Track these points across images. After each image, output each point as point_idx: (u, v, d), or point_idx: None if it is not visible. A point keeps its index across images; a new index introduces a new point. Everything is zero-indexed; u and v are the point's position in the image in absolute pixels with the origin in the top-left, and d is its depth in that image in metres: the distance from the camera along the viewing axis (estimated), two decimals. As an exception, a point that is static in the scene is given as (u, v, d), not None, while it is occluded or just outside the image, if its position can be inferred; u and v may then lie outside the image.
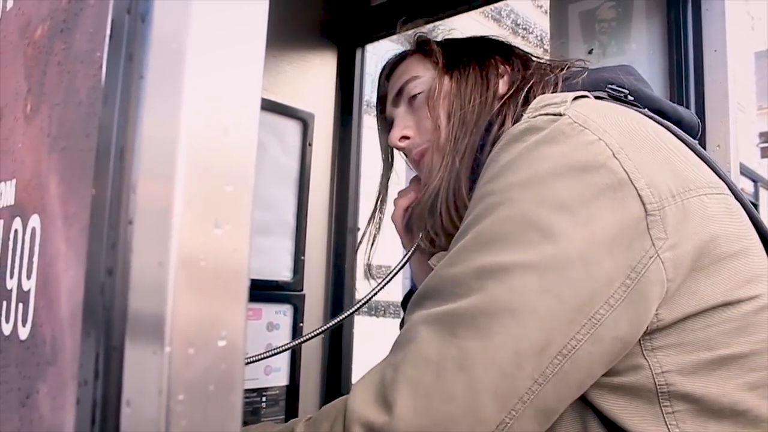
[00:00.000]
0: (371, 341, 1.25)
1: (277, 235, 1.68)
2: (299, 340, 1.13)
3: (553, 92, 0.91)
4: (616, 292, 0.69)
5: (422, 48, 1.12)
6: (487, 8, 1.58)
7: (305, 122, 1.74)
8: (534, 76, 0.98)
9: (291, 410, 1.66)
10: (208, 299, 0.38)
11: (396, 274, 1.10)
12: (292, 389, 1.67)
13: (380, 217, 1.22)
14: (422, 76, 1.08)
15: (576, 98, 0.80)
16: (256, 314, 1.61)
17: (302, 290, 1.70)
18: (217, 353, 0.37)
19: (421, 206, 1.02)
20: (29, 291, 0.58)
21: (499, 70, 1.03)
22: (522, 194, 0.72)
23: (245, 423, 1.59)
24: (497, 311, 0.68)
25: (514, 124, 0.88)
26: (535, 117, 0.79)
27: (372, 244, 1.23)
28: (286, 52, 1.73)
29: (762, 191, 2.15)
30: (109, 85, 0.46)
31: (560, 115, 0.77)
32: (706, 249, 0.73)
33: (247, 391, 1.59)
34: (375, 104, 1.23)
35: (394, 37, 1.84)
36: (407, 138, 1.09)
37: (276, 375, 1.65)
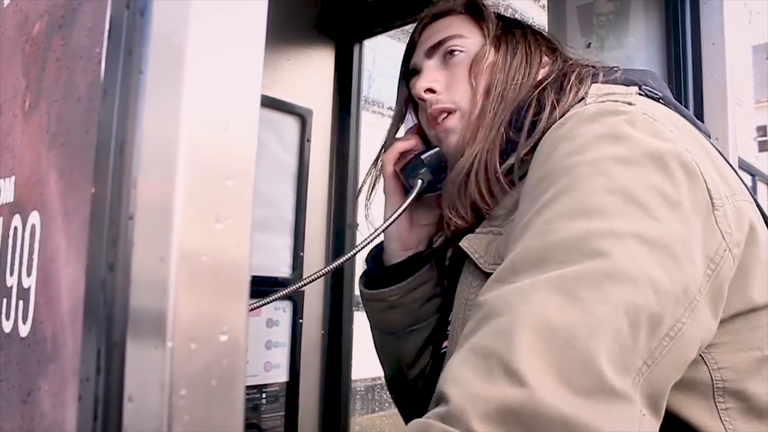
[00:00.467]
0: (370, 338, 1.23)
1: (276, 231, 1.68)
2: (301, 283, 1.08)
3: (586, 89, 0.91)
4: (703, 279, 0.69)
5: (473, 10, 1.10)
6: (489, 2, 1.57)
7: (303, 118, 1.73)
8: (570, 70, 0.97)
9: (291, 406, 1.66)
10: (209, 294, 0.38)
11: (398, 217, 1.05)
12: (292, 385, 1.67)
13: (380, 170, 1.18)
14: (467, 37, 1.06)
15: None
16: (255, 311, 1.61)
17: (302, 287, 1.70)
18: (218, 348, 0.37)
19: (453, 178, 0.99)
20: (29, 288, 0.58)
21: (543, 60, 1.03)
22: (618, 169, 0.71)
23: (246, 420, 1.59)
24: (622, 276, 0.64)
25: (552, 110, 0.88)
26: (604, 102, 0.79)
27: (373, 188, 1.20)
28: (283, 48, 1.73)
29: (760, 185, 2.15)
30: (108, 80, 0.46)
31: (630, 104, 0.78)
32: (750, 251, 0.75)
33: (247, 387, 1.58)
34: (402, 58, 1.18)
35: (392, 32, 1.84)
36: (433, 92, 1.05)
37: (276, 371, 1.65)
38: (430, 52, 1.08)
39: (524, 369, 0.59)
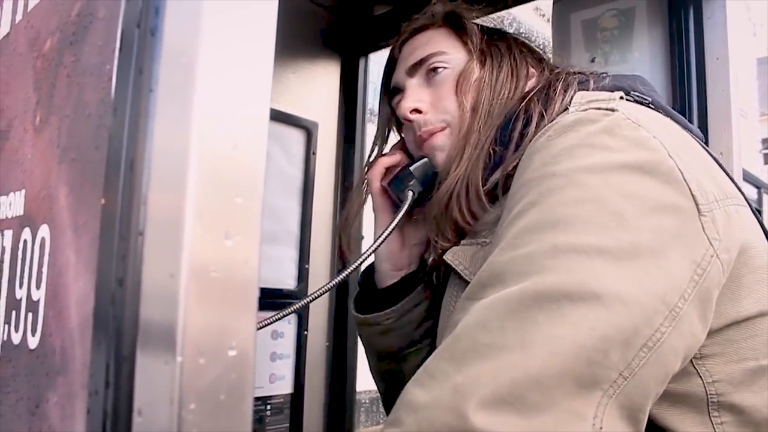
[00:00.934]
0: None
1: (282, 243, 1.68)
2: (305, 300, 1.05)
3: (573, 95, 0.90)
4: (688, 286, 0.68)
5: (454, 23, 1.06)
6: (493, 16, 1.58)
7: (309, 131, 1.74)
8: (556, 79, 0.95)
9: (296, 418, 1.66)
10: (218, 310, 0.38)
11: (393, 229, 1.01)
12: (297, 397, 1.67)
13: (367, 189, 1.14)
14: (450, 52, 1.03)
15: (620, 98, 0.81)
16: (260, 322, 1.62)
17: (306, 299, 1.70)
18: (227, 363, 0.38)
19: (438, 200, 0.97)
20: (39, 300, 0.58)
21: (529, 72, 1.01)
22: (589, 179, 0.70)
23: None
24: (582, 295, 0.63)
25: (540, 120, 0.87)
26: (585, 110, 0.78)
27: (356, 215, 1.17)
28: (289, 62, 1.74)
29: (765, 197, 2.15)
30: (118, 97, 0.47)
31: (613, 110, 0.76)
32: (743, 258, 0.74)
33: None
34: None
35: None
36: (419, 112, 1.02)
37: (280, 383, 1.65)
38: (412, 70, 1.05)
39: (469, 393, 0.61)
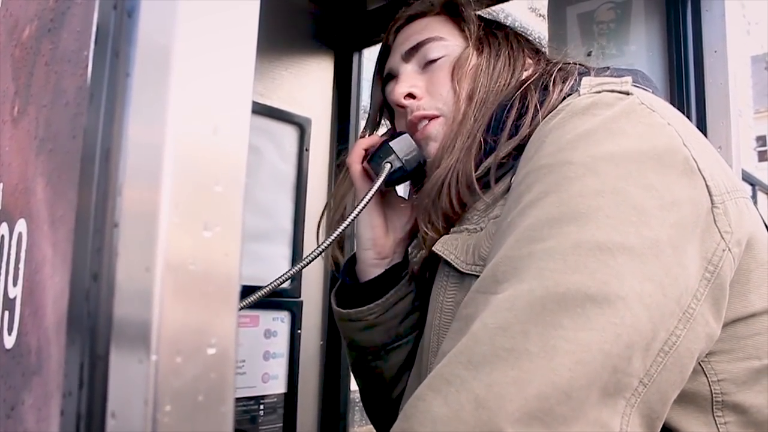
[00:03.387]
0: None
1: (274, 241, 1.66)
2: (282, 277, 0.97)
3: (573, 83, 0.87)
4: (700, 284, 0.66)
5: (452, 11, 1.04)
6: (488, 10, 1.56)
7: (302, 127, 1.72)
8: (556, 66, 0.93)
9: (289, 418, 1.64)
10: (196, 305, 0.36)
11: (366, 203, 0.97)
12: (291, 397, 1.65)
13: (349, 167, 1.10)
14: (447, 39, 1.00)
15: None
16: (253, 321, 1.60)
17: (299, 297, 1.69)
18: (206, 361, 0.35)
19: (429, 190, 0.94)
20: (15, 298, 0.56)
21: (526, 62, 0.99)
22: (608, 168, 0.67)
23: (243, 431, 1.57)
24: (607, 296, 0.60)
25: (537, 110, 0.85)
26: (599, 93, 0.75)
27: (340, 205, 1.12)
28: (282, 57, 1.72)
29: (760, 195, 2.14)
30: (95, 84, 0.45)
31: (627, 93, 0.74)
32: (752, 252, 0.72)
33: (244, 399, 1.57)
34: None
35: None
36: (413, 97, 1.00)
37: (274, 383, 1.63)
38: (408, 55, 1.03)
39: (495, 408, 0.57)
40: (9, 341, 0.55)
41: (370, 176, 1.07)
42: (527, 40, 1.05)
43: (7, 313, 0.57)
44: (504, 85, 0.95)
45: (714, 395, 0.70)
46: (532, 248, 0.66)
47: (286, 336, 1.66)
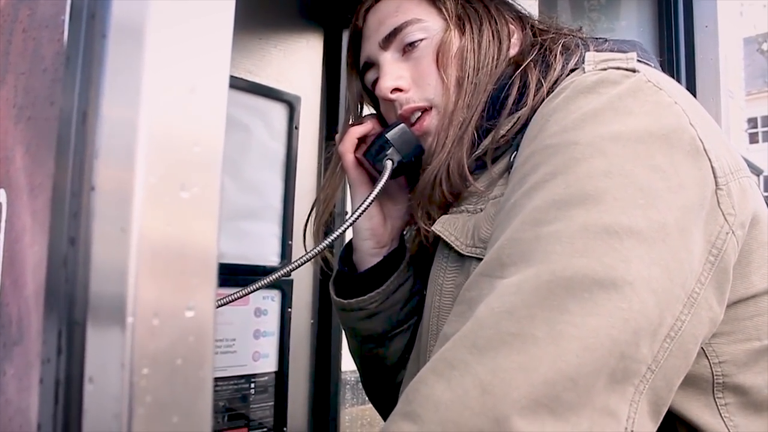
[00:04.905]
0: None
1: (264, 219, 1.65)
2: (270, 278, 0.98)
3: (576, 60, 0.85)
4: (704, 268, 0.65)
5: None
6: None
7: (292, 105, 1.71)
8: (552, 42, 0.90)
9: (280, 397, 1.64)
10: (174, 267, 0.35)
11: (373, 200, 0.94)
12: (281, 376, 1.65)
13: (340, 164, 1.06)
14: (425, 20, 0.94)
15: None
16: (243, 300, 1.59)
17: (290, 276, 1.68)
18: (184, 324, 0.35)
19: (423, 186, 0.91)
20: (-5, 269, 0.55)
21: (510, 30, 0.94)
22: (616, 148, 0.65)
23: (233, 410, 1.58)
24: (614, 281, 0.59)
25: (539, 87, 0.83)
26: (605, 70, 0.73)
27: (332, 197, 1.10)
28: (271, 34, 1.70)
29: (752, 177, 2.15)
30: (71, 46, 0.44)
31: (633, 71, 0.72)
32: (753, 232, 0.71)
33: (235, 377, 1.57)
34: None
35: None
36: (400, 90, 0.94)
37: (264, 361, 1.63)
38: (386, 42, 0.96)
39: (501, 395, 0.56)
40: (-11, 312, 0.55)
41: (364, 167, 1.03)
42: (506, 4, 0.99)
43: (-13, 284, 0.56)
44: (492, 61, 0.91)
45: (715, 377, 0.70)
46: (538, 231, 0.64)
47: (276, 315, 1.65)
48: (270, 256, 1.66)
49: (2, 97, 0.59)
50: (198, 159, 0.36)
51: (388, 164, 0.96)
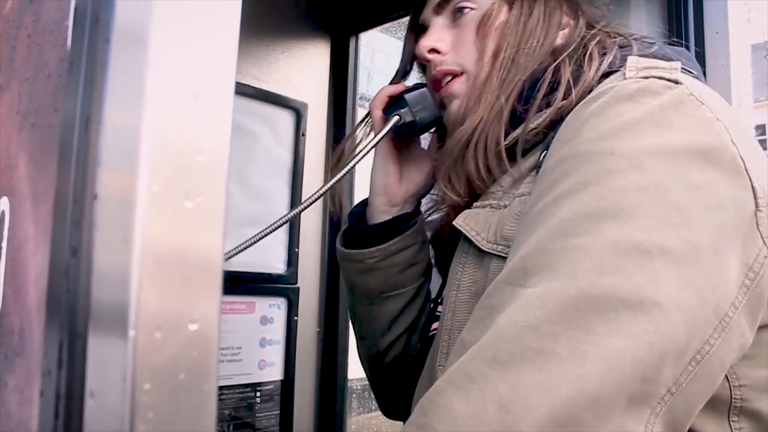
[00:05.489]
0: None
1: (271, 227, 1.64)
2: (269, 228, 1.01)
3: (612, 60, 0.83)
4: (739, 292, 0.62)
5: None
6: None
7: (298, 112, 1.70)
8: (595, 38, 0.88)
9: (286, 405, 1.63)
10: (177, 278, 0.34)
11: (369, 150, 0.99)
12: (287, 384, 1.64)
13: (369, 120, 1.10)
14: None
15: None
16: (249, 308, 1.58)
17: (296, 283, 1.67)
18: (187, 338, 0.34)
19: (451, 148, 0.91)
20: (-2, 278, 0.54)
21: (563, 21, 0.93)
22: (653, 163, 0.63)
23: (239, 418, 1.56)
24: (642, 302, 0.57)
25: (569, 85, 0.81)
26: (647, 78, 0.71)
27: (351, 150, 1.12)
28: (278, 41, 1.70)
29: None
30: (74, 52, 0.43)
31: (677, 82, 0.69)
32: None
33: (241, 386, 1.56)
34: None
35: (387, 25, 1.81)
36: (437, 52, 0.96)
37: (270, 369, 1.62)
38: (439, 7, 0.98)
39: (521, 413, 0.55)
40: (-9, 322, 0.54)
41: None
42: None
43: (-11, 293, 0.55)
44: (536, 45, 0.90)
45: (733, 400, 0.68)
46: (566, 243, 0.62)
47: (282, 323, 1.65)
48: (276, 264, 1.65)
49: (6, 104, 0.59)
50: (202, 167, 0.35)
51: (394, 119, 1.00)
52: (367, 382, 1.20)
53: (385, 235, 1.05)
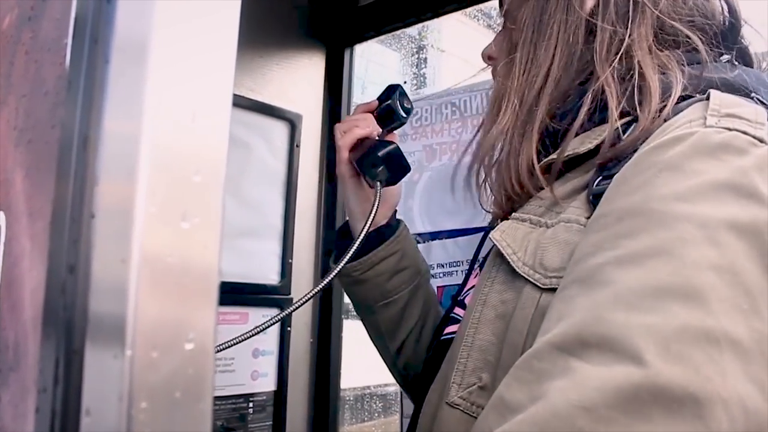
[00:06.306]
0: (360, 344, 1.24)
1: (264, 238, 1.65)
2: (274, 319, 1.09)
3: (684, 83, 0.76)
4: None
5: None
6: (481, 7, 1.56)
7: (293, 123, 1.71)
8: (639, 46, 0.80)
9: (279, 416, 1.63)
10: (174, 298, 0.35)
11: (369, 228, 1.06)
12: (280, 395, 1.64)
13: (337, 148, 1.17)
14: None
15: None
16: (242, 318, 1.59)
17: (290, 294, 1.68)
18: (184, 357, 0.34)
19: (480, 158, 0.89)
20: (-7, 293, 0.54)
21: None
22: (731, 240, 0.58)
23: (232, 429, 1.56)
24: (708, 398, 0.52)
25: (619, 112, 0.76)
26: (731, 131, 0.65)
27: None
28: (272, 53, 1.71)
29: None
30: (73, 71, 0.43)
31: (763, 141, 0.64)
32: None
33: (233, 396, 1.56)
34: None
35: (383, 37, 1.82)
36: (492, 59, 0.97)
37: (263, 380, 1.62)
38: (500, 14, 0.98)
39: None
40: (-14, 336, 0.54)
41: (353, 165, 1.14)
42: None
43: (-16, 307, 0.56)
44: (559, 24, 0.83)
45: None
46: (631, 318, 0.57)
47: (275, 333, 1.65)
48: (270, 275, 1.65)
49: (3, 119, 0.59)
50: (199, 188, 0.36)
51: (378, 186, 1.08)
52: (360, 393, 1.24)
53: (367, 249, 1.12)
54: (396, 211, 1.20)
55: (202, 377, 0.35)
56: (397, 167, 1.10)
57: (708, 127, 0.66)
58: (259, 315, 1.61)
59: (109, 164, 0.37)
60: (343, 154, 1.13)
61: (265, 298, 1.63)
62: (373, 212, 1.05)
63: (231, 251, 1.56)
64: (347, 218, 1.22)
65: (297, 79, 1.75)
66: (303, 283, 1.72)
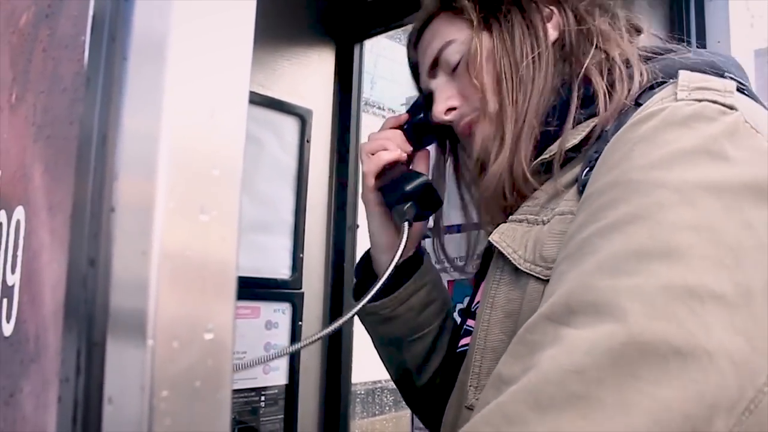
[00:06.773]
0: (370, 340, 1.18)
1: (276, 232, 1.66)
2: (299, 345, 1.03)
3: (653, 71, 0.80)
4: None
5: (448, 5, 0.96)
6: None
7: (303, 119, 1.72)
8: (609, 41, 0.86)
9: (290, 410, 1.64)
10: (193, 290, 0.35)
11: (397, 264, 0.96)
12: (292, 388, 1.65)
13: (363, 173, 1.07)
14: (457, 39, 0.94)
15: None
16: (254, 312, 1.60)
17: (301, 288, 1.68)
18: (203, 347, 0.35)
19: (486, 187, 0.89)
20: (14, 286, 0.56)
21: (544, 14, 0.90)
22: (708, 200, 0.60)
23: (244, 423, 1.58)
24: (692, 350, 0.54)
25: (606, 97, 0.79)
26: (701, 102, 0.67)
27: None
28: (283, 48, 1.71)
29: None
30: (91, 68, 0.44)
31: (732, 108, 0.66)
32: None
33: (245, 390, 1.57)
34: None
35: (392, 32, 1.83)
36: (453, 109, 0.95)
37: (275, 374, 1.63)
38: (432, 71, 0.99)
39: None
40: (8, 329, 0.55)
41: (379, 193, 1.06)
42: None
43: (5, 300, 0.57)
44: (532, 52, 0.87)
45: None
46: (615, 282, 0.59)
47: (287, 327, 1.66)
48: (281, 269, 1.66)
49: (21, 115, 0.60)
50: (217, 183, 0.37)
51: (405, 226, 0.98)
52: (371, 387, 1.22)
53: (393, 284, 1.04)
54: (420, 242, 1.11)
55: (221, 367, 0.36)
56: (426, 203, 1.00)
57: (679, 100, 0.69)
58: (270, 309, 1.62)
59: (129, 160, 0.38)
60: (369, 180, 1.05)
61: (277, 293, 1.64)
62: (399, 254, 0.96)
63: (242, 246, 1.56)
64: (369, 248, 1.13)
65: (307, 75, 1.76)
66: (314, 278, 1.73)
